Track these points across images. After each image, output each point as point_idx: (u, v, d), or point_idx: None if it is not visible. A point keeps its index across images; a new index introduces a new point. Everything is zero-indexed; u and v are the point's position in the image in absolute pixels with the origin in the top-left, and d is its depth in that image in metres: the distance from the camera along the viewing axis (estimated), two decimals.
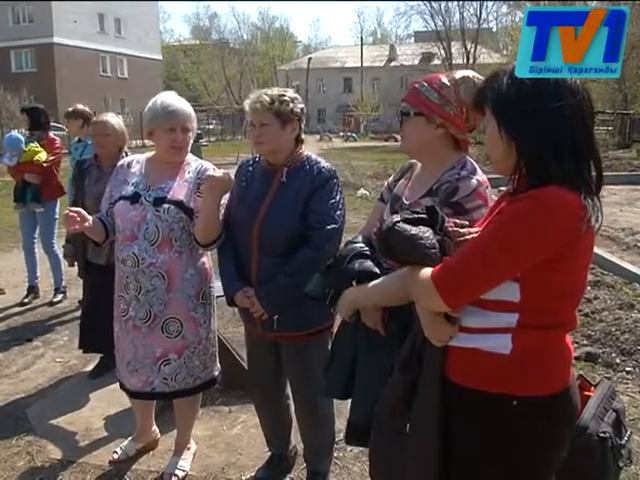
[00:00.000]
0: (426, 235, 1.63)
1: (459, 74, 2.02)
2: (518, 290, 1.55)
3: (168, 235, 2.74)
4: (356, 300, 1.99)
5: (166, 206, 2.74)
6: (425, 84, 2.03)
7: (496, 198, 1.82)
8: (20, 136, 5.82)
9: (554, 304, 1.58)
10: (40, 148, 5.73)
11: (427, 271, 1.59)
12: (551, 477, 1.72)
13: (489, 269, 1.52)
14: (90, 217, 2.78)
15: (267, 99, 2.52)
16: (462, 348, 1.65)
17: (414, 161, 2.24)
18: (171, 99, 2.77)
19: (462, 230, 1.68)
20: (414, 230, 1.63)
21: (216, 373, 3.05)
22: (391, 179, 2.34)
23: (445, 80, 2.02)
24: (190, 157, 2.89)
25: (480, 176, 2.01)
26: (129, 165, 2.91)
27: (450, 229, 1.69)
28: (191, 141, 2.84)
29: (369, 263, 2.01)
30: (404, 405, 1.80)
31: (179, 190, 2.78)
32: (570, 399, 1.66)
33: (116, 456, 3.20)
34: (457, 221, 1.74)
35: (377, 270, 1.98)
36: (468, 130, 2.06)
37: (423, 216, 1.70)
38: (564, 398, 1.64)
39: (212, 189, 2.58)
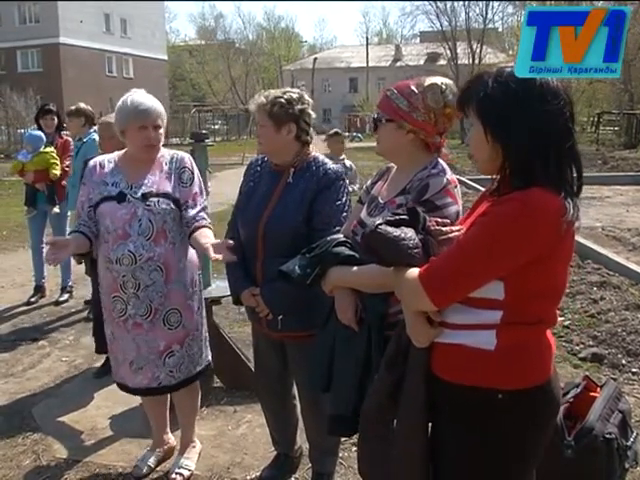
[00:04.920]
0: (408, 236, 1.65)
1: (427, 81, 2.06)
2: (503, 288, 1.59)
3: (162, 227, 2.76)
4: (339, 279, 2.09)
5: (155, 199, 2.75)
6: (395, 92, 2.09)
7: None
8: (42, 136, 5.84)
9: (537, 302, 1.62)
10: (56, 156, 5.77)
11: (414, 271, 1.62)
12: (534, 466, 1.77)
13: (475, 269, 1.57)
14: (68, 238, 2.79)
15: (263, 100, 2.54)
16: (447, 344, 1.69)
17: (391, 165, 2.29)
18: (141, 97, 2.77)
19: (444, 228, 1.72)
20: (396, 232, 1.65)
21: (210, 357, 3.09)
22: (369, 182, 2.38)
23: (414, 87, 2.06)
24: (163, 150, 2.89)
25: (450, 176, 2.07)
26: (102, 165, 2.88)
27: (432, 228, 1.71)
28: (162, 138, 2.84)
29: (352, 252, 2.11)
30: (391, 402, 1.83)
31: (162, 182, 2.80)
32: (552, 390, 1.71)
33: (140, 471, 3.11)
34: (439, 220, 1.77)
35: (361, 258, 2.07)
36: (438, 133, 2.10)
37: (404, 217, 1.73)
38: (546, 389, 1.68)
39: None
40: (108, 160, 2.90)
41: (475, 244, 1.56)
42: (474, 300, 1.61)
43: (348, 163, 6.40)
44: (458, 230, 1.70)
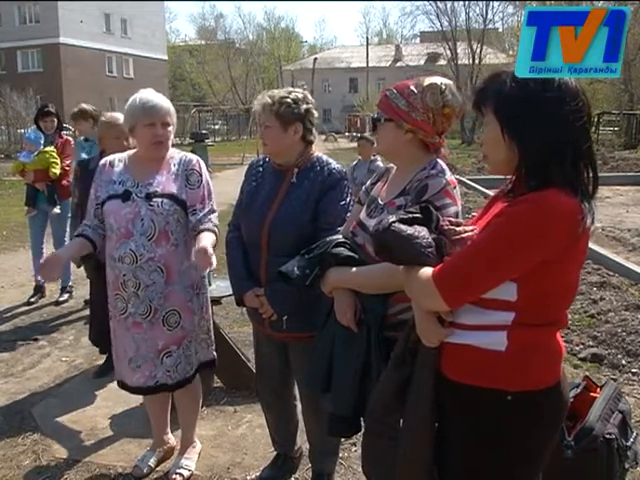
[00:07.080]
0: (422, 234, 1.65)
1: (427, 81, 2.06)
2: (515, 290, 1.58)
3: (164, 228, 2.75)
4: (338, 280, 2.10)
5: (159, 199, 2.75)
6: (395, 91, 2.10)
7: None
8: (41, 134, 5.85)
9: (549, 303, 1.62)
10: (56, 156, 5.78)
11: (427, 271, 1.61)
12: (540, 469, 1.76)
13: (489, 270, 1.56)
14: (61, 255, 2.86)
15: (269, 101, 2.53)
16: (457, 344, 1.68)
17: (391, 165, 2.29)
18: (150, 95, 2.79)
19: (458, 228, 1.71)
20: (410, 230, 1.65)
21: (201, 357, 3.01)
22: (369, 182, 2.38)
23: (413, 87, 2.06)
24: (173, 150, 2.89)
25: (449, 176, 2.07)
26: (112, 164, 2.90)
27: (446, 227, 1.71)
28: (172, 136, 2.85)
29: (352, 252, 2.12)
30: (397, 401, 1.82)
31: (169, 183, 2.79)
32: (561, 392, 1.71)
33: (140, 471, 3.12)
34: (452, 219, 1.77)
35: (360, 258, 2.09)
36: (437, 133, 2.10)
37: (418, 215, 1.73)
38: (556, 391, 1.69)
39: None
40: (119, 159, 2.92)
41: (490, 245, 1.55)
42: (486, 301, 1.61)
43: (381, 164, 6.42)
44: (472, 230, 1.70)
